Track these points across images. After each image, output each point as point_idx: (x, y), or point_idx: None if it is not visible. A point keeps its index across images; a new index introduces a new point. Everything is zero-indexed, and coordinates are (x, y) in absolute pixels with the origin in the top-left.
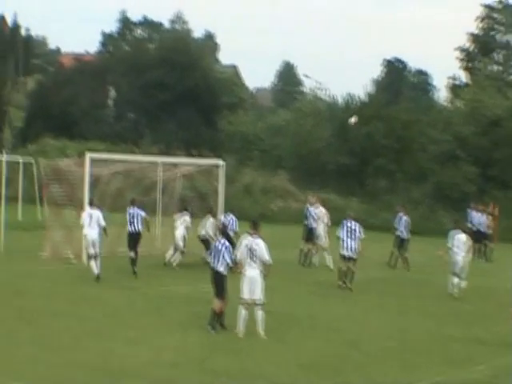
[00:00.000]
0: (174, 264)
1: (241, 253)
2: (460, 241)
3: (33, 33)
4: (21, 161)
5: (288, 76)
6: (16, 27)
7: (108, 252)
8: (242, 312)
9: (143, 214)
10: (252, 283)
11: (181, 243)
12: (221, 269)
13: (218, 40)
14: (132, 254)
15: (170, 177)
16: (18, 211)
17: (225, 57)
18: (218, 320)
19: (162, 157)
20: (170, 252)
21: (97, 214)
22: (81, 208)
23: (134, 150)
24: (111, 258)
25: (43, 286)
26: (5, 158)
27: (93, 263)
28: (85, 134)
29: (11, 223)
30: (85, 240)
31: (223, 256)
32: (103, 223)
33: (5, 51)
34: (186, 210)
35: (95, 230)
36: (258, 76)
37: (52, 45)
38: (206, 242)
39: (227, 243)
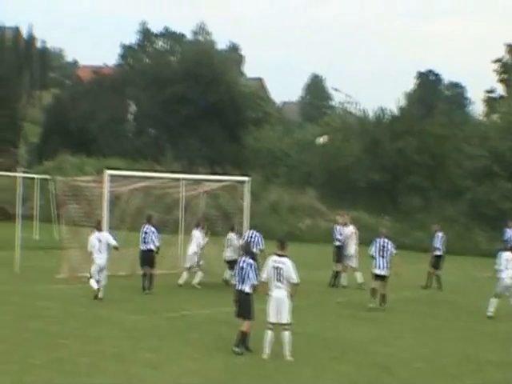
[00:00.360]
0: (195, 282)
1: (267, 273)
2: (509, 261)
3: (49, 45)
4: (37, 178)
5: (316, 89)
6: (31, 39)
7: (127, 272)
8: (269, 334)
9: (155, 233)
10: (279, 305)
11: (194, 258)
12: (246, 289)
13: (243, 52)
14: (144, 270)
15: (192, 194)
16: (34, 230)
17: (250, 69)
18: (243, 342)
19: (184, 174)
20: (184, 275)
21: (105, 236)
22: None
23: (155, 167)
24: (130, 279)
25: (60, 307)
26: (20, 175)
27: (94, 280)
28: (103, 151)
29: (27, 242)
30: (93, 265)
31: (248, 275)
32: (114, 242)
33: (20, 64)
34: (197, 226)
35: (104, 256)
36: (285, 89)
37: (69, 57)
38: (231, 263)
39: (251, 261)
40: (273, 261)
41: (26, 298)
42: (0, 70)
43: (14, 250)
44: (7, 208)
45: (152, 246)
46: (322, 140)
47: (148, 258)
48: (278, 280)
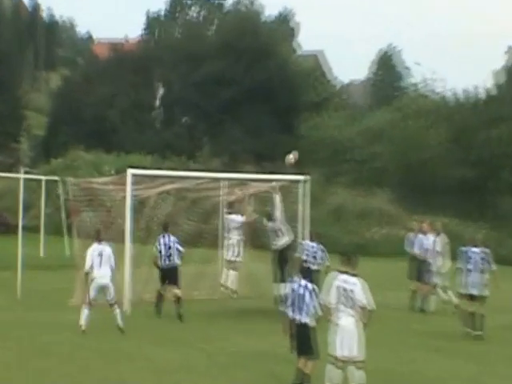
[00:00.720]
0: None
1: (331, 296)
2: None
3: (57, 16)
4: (43, 179)
5: (388, 66)
6: (35, 9)
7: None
8: (334, 372)
9: (180, 247)
10: (347, 335)
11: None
12: (306, 320)
13: (297, 20)
14: (163, 290)
15: (236, 198)
16: (39, 245)
17: (306, 42)
18: (302, 382)
19: (225, 173)
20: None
21: (108, 251)
22: (122, 240)
23: (189, 165)
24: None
25: (72, 341)
26: (22, 176)
27: (86, 314)
28: (125, 145)
29: (31, 260)
30: (92, 284)
31: (308, 303)
32: (113, 264)
33: (21, 40)
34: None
35: (107, 273)
36: (350, 67)
37: (82, 30)
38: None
39: (311, 285)
40: (339, 280)
41: (30, 329)
42: None
43: (15, 270)
44: (7, 217)
45: (178, 262)
46: (291, 157)
47: (174, 277)
48: (347, 305)
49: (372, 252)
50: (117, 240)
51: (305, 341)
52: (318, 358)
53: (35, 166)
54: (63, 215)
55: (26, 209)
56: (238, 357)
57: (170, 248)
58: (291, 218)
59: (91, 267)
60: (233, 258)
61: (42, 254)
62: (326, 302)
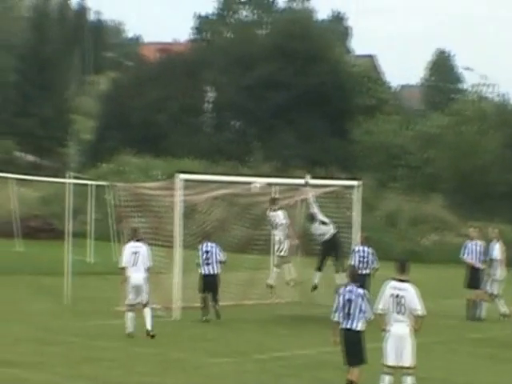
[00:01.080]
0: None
1: (383, 304)
2: None
3: (105, 18)
4: (91, 185)
5: (443, 70)
6: (82, 11)
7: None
8: (386, 380)
9: (221, 255)
10: (399, 344)
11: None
12: (357, 326)
13: (350, 23)
14: (203, 295)
15: (287, 204)
16: (87, 251)
17: (359, 45)
18: None
19: (276, 178)
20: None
21: (144, 250)
22: (169, 245)
23: (240, 170)
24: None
25: (121, 348)
26: (70, 181)
27: (130, 317)
28: (174, 150)
29: (79, 267)
30: (128, 285)
31: (359, 309)
32: (148, 263)
33: (68, 42)
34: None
35: (141, 273)
36: (404, 70)
37: (130, 33)
38: None
39: (361, 291)
40: (391, 287)
41: (79, 336)
42: (43, 50)
43: (63, 277)
44: (54, 223)
45: (218, 270)
46: (258, 185)
47: (213, 284)
48: (399, 312)
49: (425, 259)
50: (166, 245)
51: (355, 348)
52: (365, 363)
53: (83, 170)
54: (111, 221)
55: (74, 214)
56: (290, 365)
57: (210, 255)
58: (344, 224)
59: (125, 268)
60: (277, 253)
61: (90, 260)
62: (379, 311)
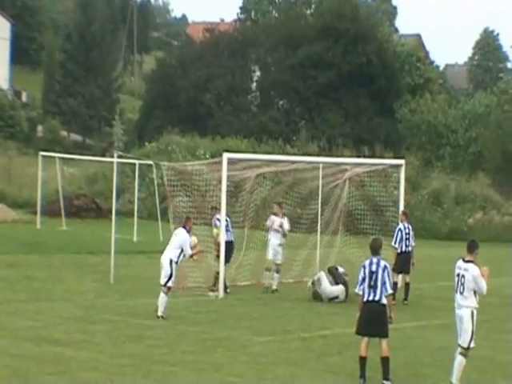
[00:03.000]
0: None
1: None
2: None
3: None
4: (137, 164)
5: (490, 49)
6: None
7: (250, 282)
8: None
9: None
10: (460, 324)
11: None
12: (381, 299)
13: (397, 2)
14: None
15: (333, 183)
16: (132, 230)
17: (406, 24)
18: (387, 371)
19: (322, 157)
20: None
21: (181, 234)
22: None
23: (286, 149)
24: (254, 290)
25: (166, 326)
26: (116, 160)
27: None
28: (220, 129)
29: (124, 245)
30: None
31: (383, 281)
32: (189, 251)
33: (114, 22)
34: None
35: (167, 254)
36: (450, 49)
37: (177, 12)
38: None
39: (383, 263)
40: (457, 267)
41: (124, 314)
42: (90, 29)
43: (108, 255)
44: (99, 202)
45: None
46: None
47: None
48: (459, 291)
49: (470, 238)
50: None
51: (379, 319)
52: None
53: (129, 150)
54: (157, 200)
55: (120, 193)
56: (335, 344)
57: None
58: (391, 203)
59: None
60: (273, 259)
61: (135, 238)
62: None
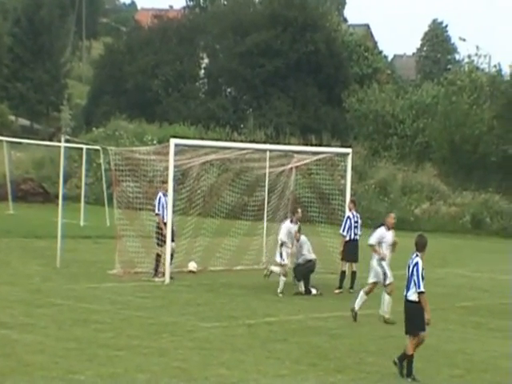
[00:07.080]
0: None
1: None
2: None
3: None
4: (84, 149)
5: (438, 40)
6: None
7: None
8: None
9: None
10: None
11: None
12: (409, 295)
13: None
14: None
15: (280, 171)
16: (79, 215)
17: (354, 14)
18: (410, 369)
19: (269, 144)
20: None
21: None
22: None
23: (234, 136)
24: (201, 276)
25: (112, 311)
26: (63, 144)
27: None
28: (168, 116)
29: (71, 230)
30: None
31: (415, 278)
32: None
33: (63, 8)
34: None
35: None
36: (399, 40)
37: None
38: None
39: (416, 260)
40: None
41: (70, 299)
42: (39, 14)
43: (54, 240)
44: (47, 186)
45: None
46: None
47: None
48: None
49: (416, 228)
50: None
51: (406, 316)
52: (413, 334)
53: (76, 135)
54: (104, 185)
55: (67, 178)
56: (280, 331)
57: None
58: (337, 192)
59: None
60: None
61: (82, 223)
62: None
